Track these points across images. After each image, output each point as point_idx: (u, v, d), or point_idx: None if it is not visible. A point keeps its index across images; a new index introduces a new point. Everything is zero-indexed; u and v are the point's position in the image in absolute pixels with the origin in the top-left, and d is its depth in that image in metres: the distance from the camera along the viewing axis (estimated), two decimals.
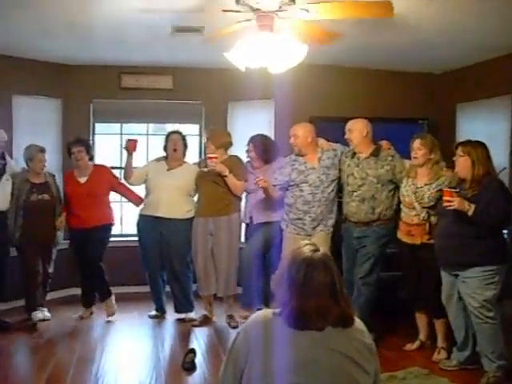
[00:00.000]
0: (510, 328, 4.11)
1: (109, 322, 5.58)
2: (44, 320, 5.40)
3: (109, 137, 6.85)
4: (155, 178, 5.50)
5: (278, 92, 5.64)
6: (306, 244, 2.11)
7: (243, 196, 5.54)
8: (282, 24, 3.74)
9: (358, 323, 2.10)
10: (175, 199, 5.44)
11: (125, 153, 5.61)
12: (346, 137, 4.85)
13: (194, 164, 5.69)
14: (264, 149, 5.41)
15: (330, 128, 5.29)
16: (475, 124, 5.99)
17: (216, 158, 5.15)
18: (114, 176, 5.77)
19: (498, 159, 5.31)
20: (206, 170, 5.28)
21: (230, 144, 5.51)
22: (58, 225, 5.52)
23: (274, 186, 5.04)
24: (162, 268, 5.61)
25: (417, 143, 4.52)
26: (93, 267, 5.56)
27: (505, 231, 4.37)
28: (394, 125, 5.69)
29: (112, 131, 6.65)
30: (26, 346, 4.90)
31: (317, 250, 2.06)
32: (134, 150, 5.48)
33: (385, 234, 4.76)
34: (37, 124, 6.20)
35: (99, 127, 6.62)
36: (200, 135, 6.66)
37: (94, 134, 6.52)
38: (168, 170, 5.51)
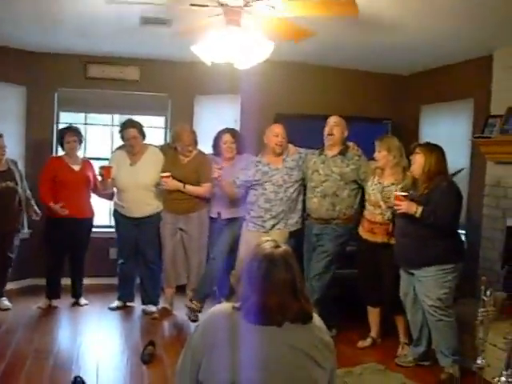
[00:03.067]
0: (463, 327, 4.20)
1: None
2: (5, 309, 5.39)
3: None
4: (121, 177, 5.43)
5: (245, 87, 5.65)
6: (267, 240, 2.12)
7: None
8: (251, 20, 3.74)
9: (317, 320, 2.12)
10: (144, 198, 5.43)
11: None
12: (326, 129, 4.85)
13: (157, 147, 5.64)
14: (241, 140, 5.44)
15: (296, 125, 5.31)
16: (438, 126, 6.08)
17: (168, 176, 5.18)
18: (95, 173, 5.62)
19: (460, 161, 5.44)
20: (161, 188, 5.34)
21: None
22: (34, 214, 5.49)
23: (236, 185, 5.09)
24: (136, 259, 5.61)
25: (376, 145, 4.59)
26: (80, 259, 5.67)
27: (462, 231, 4.44)
28: (359, 124, 5.62)
29: (76, 121, 6.54)
30: None
31: (278, 247, 2.08)
32: (109, 176, 5.32)
33: (342, 234, 4.82)
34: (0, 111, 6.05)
35: (63, 116, 6.51)
36: (165, 128, 6.62)
37: (58, 123, 6.41)
38: (131, 164, 5.46)
